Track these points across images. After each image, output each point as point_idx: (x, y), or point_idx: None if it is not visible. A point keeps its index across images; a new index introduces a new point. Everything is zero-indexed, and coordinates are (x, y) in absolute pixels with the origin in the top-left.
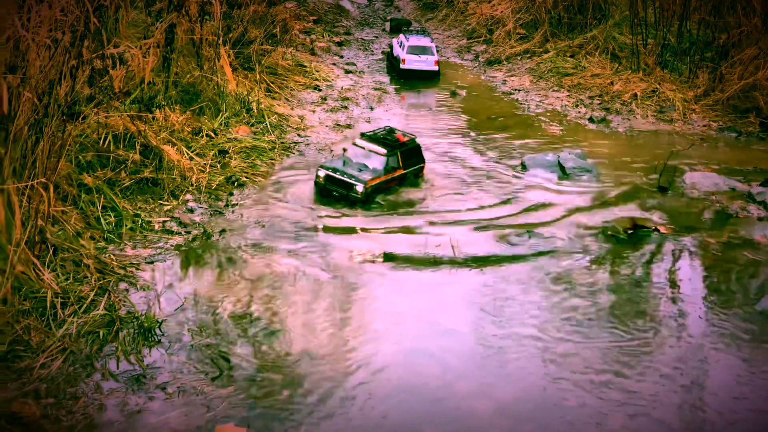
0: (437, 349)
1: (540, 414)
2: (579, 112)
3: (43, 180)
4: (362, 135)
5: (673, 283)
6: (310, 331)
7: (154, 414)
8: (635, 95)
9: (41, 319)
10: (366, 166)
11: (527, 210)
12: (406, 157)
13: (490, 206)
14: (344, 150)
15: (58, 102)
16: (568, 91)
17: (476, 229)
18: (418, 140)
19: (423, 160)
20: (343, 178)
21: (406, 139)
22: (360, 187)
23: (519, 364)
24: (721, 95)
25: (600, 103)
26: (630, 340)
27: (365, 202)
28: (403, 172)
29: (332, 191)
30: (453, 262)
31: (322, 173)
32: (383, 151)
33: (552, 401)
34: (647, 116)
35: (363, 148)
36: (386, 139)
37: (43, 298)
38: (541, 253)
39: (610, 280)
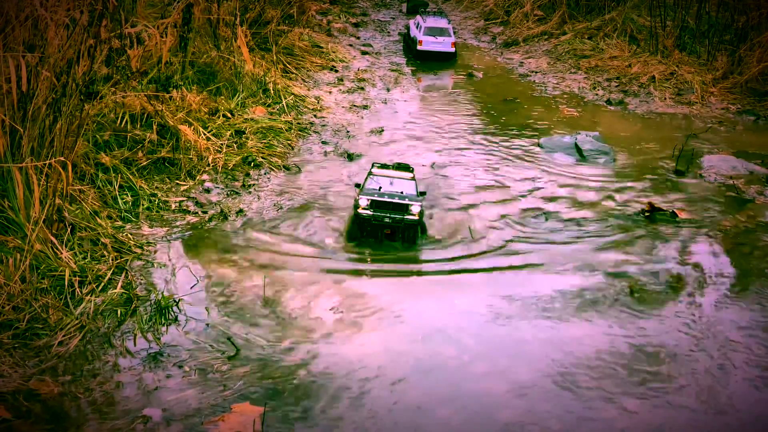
0: (454, 330)
1: (556, 395)
2: (596, 94)
3: (62, 159)
4: (373, 165)
5: (690, 267)
6: (326, 313)
7: (171, 391)
8: (653, 78)
9: (59, 298)
10: (401, 190)
11: (544, 191)
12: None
13: (506, 187)
14: (357, 185)
15: (76, 81)
16: (586, 73)
17: (493, 212)
18: (432, 126)
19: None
20: (394, 200)
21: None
22: (416, 207)
23: (535, 345)
24: (740, 78)
25: (618, 86)
26: (646, 323)
27: (423, 230)
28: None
29: (381, 220)
30: (470, 244)
31: (364, 201)
32: (409, 174)
33: (568, 383)
34: (665, 99)
35: (386, 176)
36: (398, 165)
37: (61, 276)
38: (555, 233)
39: (625, 263)
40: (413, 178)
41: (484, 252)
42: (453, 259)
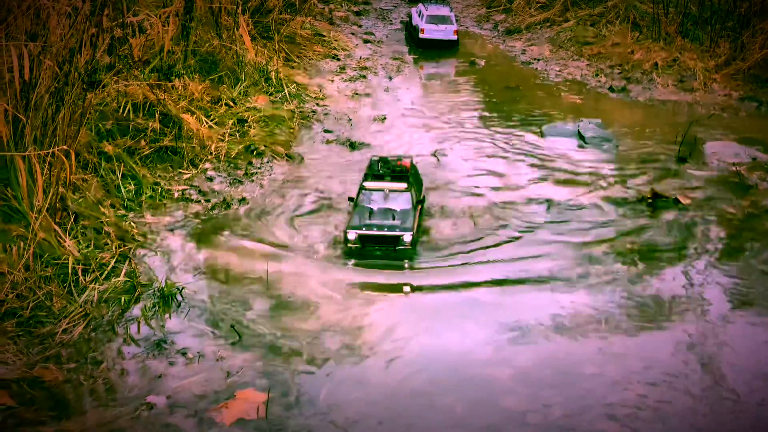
0: (456, 316)
1: (559, 380)
2: (599, 81)
3: (65, 147)
4: (366, 176)
5: (693, 252)
6: (330, 299)
7: (175, 378)
8: (656, 64)
9: (63, 286)
10: (393, 210)
11: (546, 179)
12: (416, 181)
13: (509, 176)
14: (351, 200)
15: (78, 70)
16: (588, 60)
17: (495, 200)
18: (435, 112)
19: (421, 178)
20: (383, 232)
21: (407, 161)
22: (408, 236)
23: (538, 331)
24: (743, 65)
25: (620, 73)
26: (650, 309)
27: (414, 253)
28: (421, 199)
29: (372, 253)
30: (474, 233)
31: (353, 235)
32: (403, 185)
33: (571, 368)
34: (668, 85)
35: (380, 189)
36: (394, 171)
37: (65, 264)
38: (560, 223)
39: (629, 249)
40: (409, 188)
41: (487, 246)
42: (452, 266)
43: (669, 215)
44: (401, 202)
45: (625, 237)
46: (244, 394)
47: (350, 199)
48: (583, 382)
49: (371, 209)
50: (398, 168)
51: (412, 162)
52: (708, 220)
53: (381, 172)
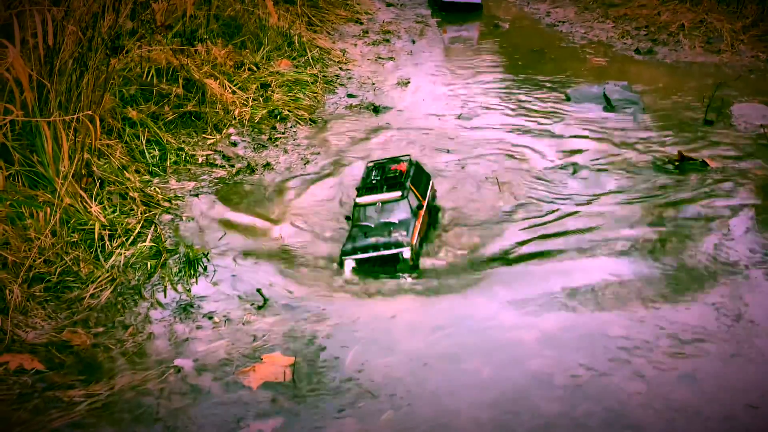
0: (483, 281)
1: (586, 343)
2: (625, 43)
3: (89, 113)
4: (358, 190)
5: (722, 215)
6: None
7: (202, 342)
8: (682, 26)
9: (89, 251)
10: (391, 223)
11: (571, 142)
12: (417, 183)
13: (534, 139)
14: (347, 218)
15: (101, 36)
16: (614, 22)
17: (520, 164)
18: (458, 79)
19: (428, 175)
20: (380, 253)
21: (403, 164)
22: (407, 252)
23: (564, 294)
24: None
25: (646, 35)
26: (678, 272)
27: (416, 266)
28: (426, 203)
29: (374, 272)
30: (498, 198)
31: (349, 264)
32: (397, 194)
33: (598, 331)
34: (695, 47)
35: (372, 204)
36: (387, 178)
37: (91, 230)
38: (585, 186)
39: (656, 212)
40: (404, 195)
41: (510, 212)
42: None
43: (696, 178)
44: (398, 212)
45: (651, 200)
46: (271, 357)
47: (347, 218)
48: (610, 344)
49: (367, 227)
50: (391, 174)
51: (410, 161)
52: (737, 182)
53: (374, 182)
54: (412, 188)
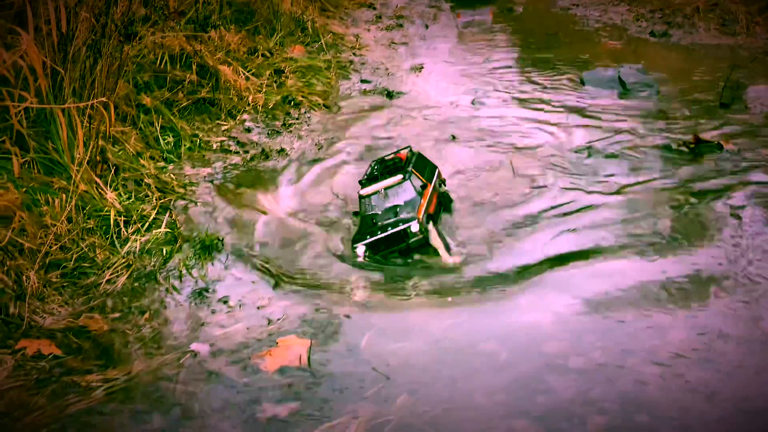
0: (497, 265)
1: (600, 326)
2: (640, 26)
3: (104, 99)
4: (361, 183)
5: (736, 199)
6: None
7: (218, 326)
8: (697, 8)
9: (105, 237)
10: (396, 206)
11: (586, 126)
12: (420, 169)
13: (548, 123)
14: (355, 214)
15: (114, 22)
16: (629, 5)
17: (535, 148)
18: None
19: (433, 165)
20: (389, 231)
21: (403, 153)
22: (415, 226)
23: (578, 279)
24: None
25: (661, 17)
26: (692, 257)
27: (426, 240)
28: (431, 186)
29: (388, 256)
30: (513, 182)
31: (361, 249)
32: (398, 177)
33: (612, 315)
34: (710, 29)
35: (376, 192)
36: (387, 166)
37: (107, 216)
38: (602, 167)
39: (671, 196)
40: (406, 177)
41: (526, 194)
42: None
43: (712, 160)
44: (402, 194)
45: (667, 181)
46: (286, 341)
47: (354, 213)
48: (626, 328)
49: (374, 215)
50: (390, 162)
51: (410, 150)
52: (753, 164)
53: (375, 173)
54: (414, 172)
